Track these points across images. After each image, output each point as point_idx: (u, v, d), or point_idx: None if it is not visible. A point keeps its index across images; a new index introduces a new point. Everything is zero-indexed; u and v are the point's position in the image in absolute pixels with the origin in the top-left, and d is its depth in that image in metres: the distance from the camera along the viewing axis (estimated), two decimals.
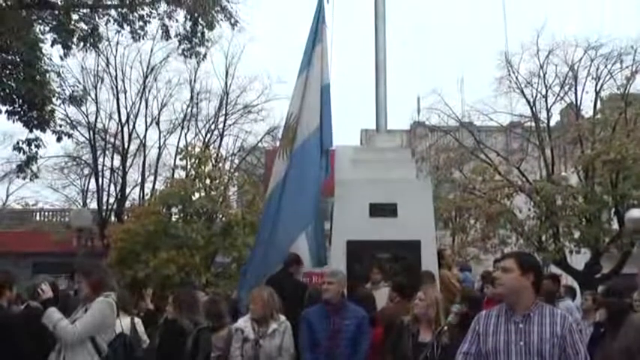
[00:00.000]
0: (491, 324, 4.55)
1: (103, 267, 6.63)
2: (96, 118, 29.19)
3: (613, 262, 20.60)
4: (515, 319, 4.47)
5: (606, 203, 20.55)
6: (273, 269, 9.40)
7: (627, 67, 22.26)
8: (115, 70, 29.17)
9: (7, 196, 33.30)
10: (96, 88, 28.88)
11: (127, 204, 28.97)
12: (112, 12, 15.37)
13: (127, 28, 15.48)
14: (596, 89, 22.70)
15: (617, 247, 20.29)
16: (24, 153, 15.08)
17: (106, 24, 15.69)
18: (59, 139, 15.56)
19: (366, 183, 9.52)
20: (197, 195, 22.31)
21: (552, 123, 23.84)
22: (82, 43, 15.09)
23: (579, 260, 21.20)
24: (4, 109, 14.47)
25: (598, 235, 20.34)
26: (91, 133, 29.13)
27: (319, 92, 9.87)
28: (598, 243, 20.38)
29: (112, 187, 29.78)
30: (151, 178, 29.92)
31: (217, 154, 26.74)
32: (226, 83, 30.39)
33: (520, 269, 4.54)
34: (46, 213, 32.95)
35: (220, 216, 22.30)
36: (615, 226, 20.69)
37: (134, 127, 29.64)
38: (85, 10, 15.24)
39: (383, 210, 9.30)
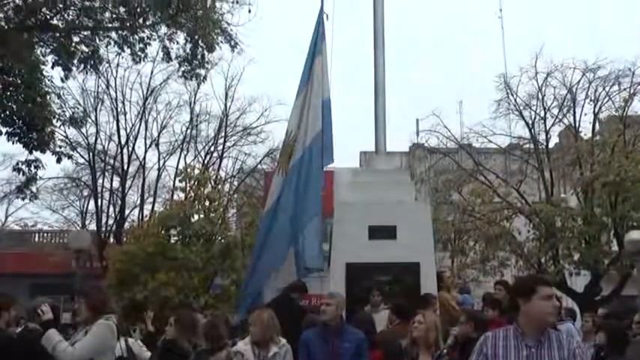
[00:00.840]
0: (500, 346, 4.39)
1: (103, 289, 6.62)
2: (96, 139, 29.25)
3: (613, 283, 20.56)
4: (528, 343, 4.35)
5: (606, 225, 20.54)
6: (267, 276, 9.40)
7: (625, 89, 22.40)
8: (115, 92, 29.29)
9: (7, 217, 33.28)
10: (96, 109, 28.98)
11: (126, 225, 28.93)
12: (113, 34, 15.44)
13: (128, 51, 15.54)
14: (594, 111, 22.79)
15: (617, 268, 20.25)
16: (23, 174, 15.09)
17: (106, 46, 15.77)
18: (59, 161, 15.59)
19: (365, 205, 9.52)
20: (196, 217, 22.30)
21: (551, 145, 23.90)
22: (82, 65, 15.15)
23: (579, 282, 21.16)
24: (4, 130, 14.50)
25: (598, 256, 20.31)
26: (91, 154, 29.16)
27: (319, 107, 9.89)
28: (598, 265, 20.33)
29: (111, 208, 29.76)
30: (150, 199, 29.94)
31: (217, 176, 26.74)
32: (226, 105, 30.49)
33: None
34: (45, 234, 32.89)
35: (219, 238, 22.28)
36: (615, 247, 20.66)
37: (134, 148, 29.70)
38: (85, 33, 15.31)
39: (382, 232, 9.30)
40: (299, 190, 9.75)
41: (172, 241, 22.09)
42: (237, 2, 15.37)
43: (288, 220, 9.73)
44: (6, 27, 14.24)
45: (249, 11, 15.51)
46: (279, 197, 10.02)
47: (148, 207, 29.57)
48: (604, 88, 22.58)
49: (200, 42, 15.02)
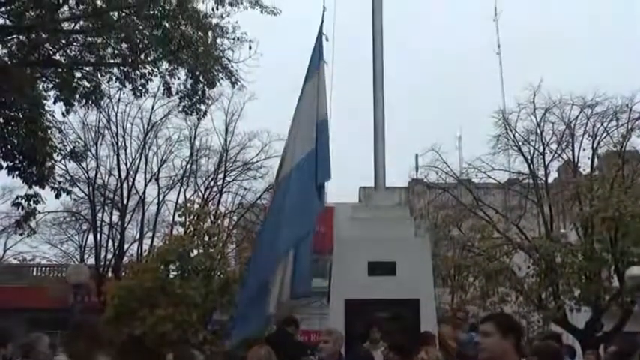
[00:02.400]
0: None
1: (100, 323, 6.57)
2: (96, 173, 29.34)
3: (614, 320, 20.41)
4: None
5: (606, 260, 20.44)
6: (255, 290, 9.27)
7: (623, 124, 22.48)
8: (116, 127, 29.47)
9: (5, 251, 33.19)
10: (96, 144, 29.14)
11: (125, 260, 28.85)
12: (115, 70, 15.61)
13: (129, 86, 15.72)
14: (593, 147, 22.85)
15: (618, 304, 20.12)
16: (22, 209, 15.10)
17: (108, 81, 15.95)
18: (58, 196, 15.63)
19: (365, 241, 9.52)
20: (195, 252, 22.24)
21: (550, 180, 23.92)
22: (84, 100, 15.28)
23: (580, 318, 21.01)
24: (4, 164, 14.55)
25: (598, 292, 20.19)
26: (91, 188, 29.20)
27: (312, 124, 9.83)
28: (598, 301, 20.21)
29: (110, 242, 29.70)
30: (150, 234, 29.90)
31: (216, 211, 26.75)
32: (226, 140, 30.65)
33: (500, 332, 4.45)
34: (43, 268, 32.78)
35: (218, 273, 22.18)
36: (615, 283, 20.54)
37: (133, 183, 29.78)
38: (88, 68, 15.48)
39: (382, 268, 9.27)
40: (287, 206, 9.62)
41: (171, 276, 21.99)
42: (238, 39, 15.59)
43: (275, 235, 9.59)
44: (9, 62, 14.39)
45: (250, 48, 15.71)
46: (269, 213, 9.98)
47: (147, 241, 29.56)
48: (602, 124, 22.69)
49: (201, 78, 15.18)
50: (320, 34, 10.35)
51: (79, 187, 28.11)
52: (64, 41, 15.00)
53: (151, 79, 15.64)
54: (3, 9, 14.23)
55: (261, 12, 15.48)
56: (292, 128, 10.04)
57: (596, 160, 22.96)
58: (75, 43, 15.32)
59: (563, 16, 60.28)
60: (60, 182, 15.85)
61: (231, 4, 15.16)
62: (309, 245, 9.34)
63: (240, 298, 10.40)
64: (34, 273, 32.47)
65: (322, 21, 10.36)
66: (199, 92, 15.52)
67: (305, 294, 9.72)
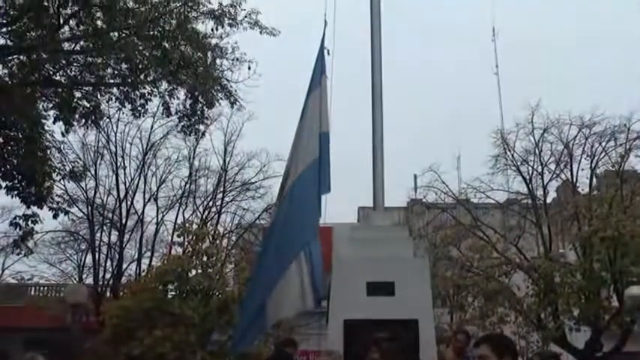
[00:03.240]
0: None
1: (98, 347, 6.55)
2: (95, 193, 29.34)
3: (614, 340, 20.33)
4: None
5: (605, 280, 20.40)
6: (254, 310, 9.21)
7: (621, 144, 22.53)
8: (115, 147, 29.51)
9: (3, 270, 33.09)
10: (96, 164, 29.16)
11: (123, 280, 28.77)
12: (114, 90, 15.66)
13: (129, 106, 15.76)
14: (591, 166, 22.87)
15: (618, 324, 20.05)
16: (20, 229, 15.09)
17: (107, 101, 15.99)
18: (55, 216, 15.61)
19: (364, 261, 9.49)
20: (194, 272, 22.18)
21: (549, 200, 23.94)
22: (83, 120, 15.32)
23: (579, 338, 20.93)
24: (3, 184, 14.56)
25: (598, 312, 20.12)
26: (89, 208, 29.19)
27: (316, 135, 9.85)
28: (598, 320, 20.14)
29: (109, 262, 29.64)
30: (148, 254, 29.84)
31: (215, 231, 26.73)
32: (225, 160, 30.67)
33: (496, 354, 4.41)
34: (41, 288, 32.67)
35: (217, 293, 22.11)
36: (615, 303, 20.48)
37: (132, 203, 29.76)
38: (87, 88, 15.53)
39: (380, 288, 9.24)
40: (294, 214, 9.60)
41: (169, 297, 21.93)
42: (237, 60, 15.65)
43: (283, 246, 9.54)
44: (10, 82, 14.45)
45: (249, 68, 15.77)
46: (272, 228, 9.95)
47: (145, 261, 29.48)
48: (600, 144, 22.74)
49: (200, 98, 15.24)
50: (322, 47, 10.39)
51: (77, 206, 28.10)
52: (64, 61, 15.06)
53: (151, 100, 15.71)
54: (4, 29, 14.31)
55: (261, 33, 15.57)
56: (295, 143, 10.06)
57: (594, 179, 22.99)
58: (75, 63, 15.38)
59: (562, 35, 60.65)
60: (58, 202, 15.83)
61: (230, 25, 15.27)
62: (318, 252, 9.34)
63: (240, 316, 10.36)
64: (32, 293, 32.33)
65: (324, 34, 10.41)
66: (198, 112, 15.57)
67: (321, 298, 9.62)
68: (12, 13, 14.18)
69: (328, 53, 10.48)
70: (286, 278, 9.12)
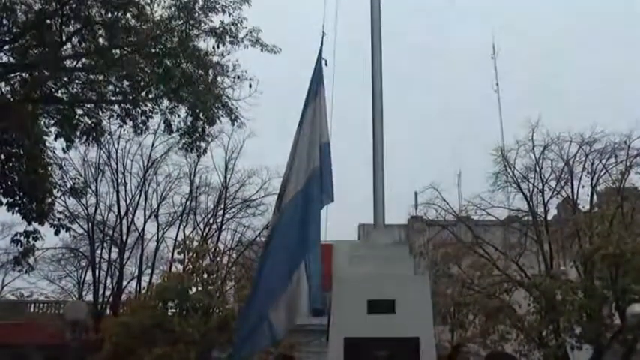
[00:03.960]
0: None
1: None
2: (95, 210, 29.39)
3: (616, 358, 20.24)
4: None
5: (606, 298, 20.36)
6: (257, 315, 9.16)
7: (621, 161, 22.59)
8: (116, 164, 29.63)
9: (3, 287, 33.07)
10: (96, 180, 29.26)
11: (123, 297, 28.72)
12: (116, 107, 15.69)
13: (130, 123, 15.76)
14: (592, 183, 22.91)
15: (620, 342, 19.98)
16: (21, 245, 15.07)
17: (109, 118, 16.00)
18: (57, 233, 15.59)
19: (364, 279, 9.47)
20: (194, 289, 22.16)
21: (549, 217, 23.94)
22: (85, 137, 15.33)
23: (581, 356, 20.82)
24: (4, 201, 14.56)
25: (599, 330, 20.05)
26: (90, 225, 29.20)
27: (316, 146, 9.85)
28: (600, 338, 20.06)
29: (109, 279, 29.60)
30: (148, 271, 29.81)
31: (215, 248, 26.72)
32: (225, 178, 30.74)
33: None
34: (41, 304, 32.60)
35: (217, 311, 22.07)
36: (617, 321, 20.42)
37: (133, 219, 29.80)
38: (89, 105, 15.56)
39: (381, 306, 9.20)
40: (296, 227, 9.59)
41: (169, 314, 21.88)
42: (238, 77, 15.69)
43: (284, 254, 9.52)
44: (11, 99, 14.49)
45: (250, 86, 15.80)
46: (272, 235, 9.92)
47: (145, 278, 29.45)
48: (601, 161, 22.79)
49: (201, 115, 15.25)
50: (319, 58, 10.41)
51: (78, 223, 28.10)
52: (66, 78, 15.12)
53: (152, 117, 15.70)
54: (7, 47, 14.38)
55: (262, 50, 15.63)
56: (293, 153, 10.06)
57: (595, 197, 23.01)
58: (77, 81, 15.43)
59: (561, 54, 60.91)
60: (59, 219, 15.82)
61: (231, 43, 15.31)
62: (318, 260, 9.32)
63: (240, 325, 10.30)
64: (32, 309, 32.27)
65: (321, 45, 10.43)
66: (199, 130, 15.58)
67: (319, 310, 9.56)
68: (15, 30, 14.26)
69: (326, 64, 10.51)
70: (290, 290, 9.12)
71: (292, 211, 9.68)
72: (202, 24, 14.98)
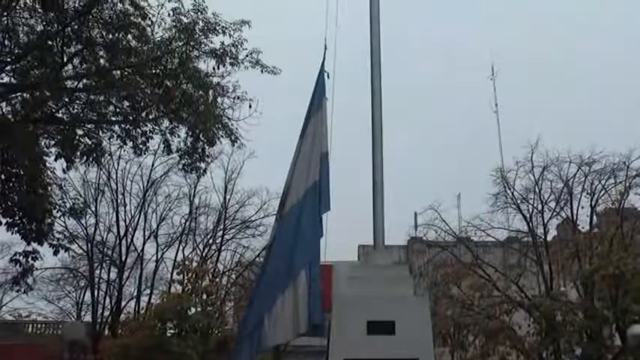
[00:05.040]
0: None
1: None
2: (95, 230, 29.34)
3: None
4: None
5: (607, 319, 20.30)
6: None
7: (621, 182, 22.64)
8: (116, 184, 29.62)
9: (0, 307, 32.90)
10: (96, 200, 29.22)
11: (122, 317, 28.59)
12: (116, 128, 15.71)
13: (130, 143, 15.77)
14: (591, 204, 22.95)
15: None
16: (20, 265, 15.03)
17: (109, 139, 16.00)
18: (56, 253, 15.56)
19: (364, 300, 9.44)
20: (193, 310, 22.07)
21: (549, 238, 23.93)
22: (85, 158, 15.34)
23: None
24: (4, 220, 14.53)
25: (600, 351, 19.98)
26: (89, 245, 29.15)
27: (317, 157, 9.90)
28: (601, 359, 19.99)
29: (108, 299, 29.50)
30: (147, 291, 29.72)
31: (214, 269, 26.64)
32: (225, 198, 30.73)
33: None
34: (39, 325, 32.44)
35: (216, 332, 21.98)
36: (618, 342, 20.34)
37: (132, 240, 29.74)
38: (89, 126, 15.58)
39: (381, 327, 9.15)
40: (296, 235, 9.61)
41: (168, 335, 21.77)
42: (238, 98, 15.72)
43: (282, 263, 9.51)
44: (12, 119, 14.52)
45: (250, 106, 15.82)
46: (273, 242, 9.93)
47: (144, 299, 29.34)
48: (600, 182, 22.84)
49: (201, 136, 15.27)
50: (322, 70, 10.48)
51: (77, 243, 28.04)
52: (66, 99, 15.15)
53: (152, 137, 15.71)
54: (8, 67, 14.43)
55: (262, 72, 15.68)
56: (294, 163, 10.11)
57: (595, 217, 23.02)
58: (77, 101, 15.46)
59: (560, 74, 61.08)
60: (59, 239, 15.81)
61: (231, 64, 15.35)
62: (318, 275, 9.32)
63: (239, 332, 10.27)
64: (30, 330, 32.11)
65: (324, 58, 10.49)
66: (199, 150, 15.59)
67: (318, 327, 9.53)
68: (17, 51, 14.33)
69: (328, 77, 10.56)
70: (284, 299, 9.08)
71: (292, 220, 9.71)
72: (203, 45, 15.05)
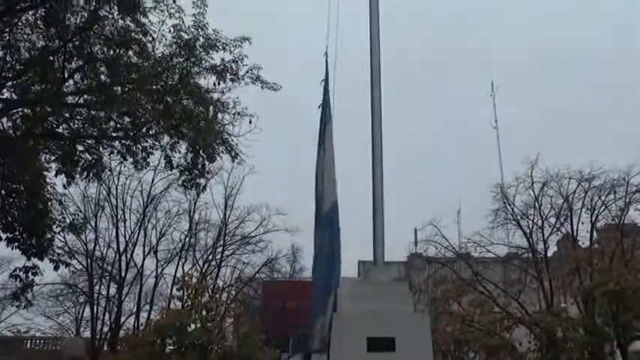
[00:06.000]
0: None
1: None
2: (94, 246, 29.32)
3: None
4: None
5: (608, 335, 20.22)
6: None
7: (620, 198, 22.62)
8: (116, 200, 29.65)
9: None
10: (96, 216, 29.25)
11: (121, 333, 28.49)
12: (116, 143, 15.73)
13: (130, 159, 15.78)
14: (591, 220, 22.92)
15: None
16: (20, 281, 15.00)
17: (109, 154, 16.02)
18: (56, 268, 15.53)
19: (364, 316, 9.43)
20: (193, 326, 22.00)
21: (549, 254, 23.89)
22: (85, 173, 15.35)
23: None
24: (4, 236, 14.52)
25: None
26: (89, 260, 29.11)
27: (333, 183, 10.04)
28: None
29: (107, 315, 29.41)
30: (147, 307, 29.66)
31: (214, 285, 26.60)
32: (225, 214, 30.74)
33: None
34: (38, 341, 32.31)
35: (216, 348, 21.90)
36: (619, 359, 20.25)
37: (132, 255, 29.72)
38: (90, 141, 15.60)
39: (381, 344, 9.15)
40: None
41: (168, 351, 21.69)
42: (238, 114, 15.75)
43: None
44: (13, 135, 14.54)
45: (250, 122, 15.85)
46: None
47: (144, 315, 29.28)
48: (600, 197, 22.82)
49: (201, 152, 15.29)
50: (326, 78, 10.56)
51: (77, 259, 28.01)
52: (67, 114, 15.18)
53: (152, 153, 15.72)
54: (10, 83, 14.48)
55: (262, 88, 15.72)
56: (324, 170, 10.21)
57: (595, 233, 22.99)
58: (78, 117, 15.48)
59: (560, 90, 61.27)
60: (59, 254, 15.77)
61: (232, 80, 15.41)
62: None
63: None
64: (28, 346, 31.97)
65: (327, 70, 10.58)
66: (199, 166, 15.60)
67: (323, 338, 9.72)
68: (18, 67, 14.38)
69: (323, 84, 10.64)
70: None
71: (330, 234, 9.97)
72: (203, 61, 15.10)
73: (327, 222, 10.01)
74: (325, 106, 10.54)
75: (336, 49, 10.86)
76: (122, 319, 29.25)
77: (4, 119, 14.74)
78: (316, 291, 10.00)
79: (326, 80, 10.62)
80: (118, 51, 14.28)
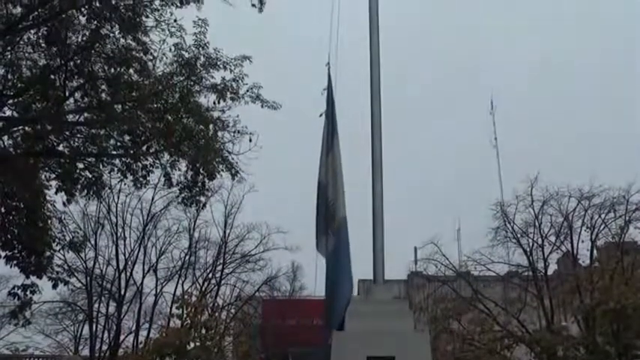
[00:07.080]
0: None
1: None
2: (94, 264, 29.28)
3: None
4: None
5: (609, 354, 20.15)
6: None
7: (620, 216, 22.63)
8: (116, 217, 29.62)
9: None
10: (96, 234, 29.22)
11: (120, 352, 28.37)
12: (117, 161, 15.75)
13: (130, 177, 15.79)
14: (591, 238, 22.92)
15: None
16: (18, 299, 14.96)
17: (109, 172, 16.02)
18: (55, 286, 15.50)
19: (364, 335, 9.40)
20: (192, 344, 21.92)
21: (550, 272, 23.86)
22: (85, 191, 15.36)
23: None
24: (3, 253, 14.51)
25: None
26: (88, 278, 29.05)
27: (342, 195, 10.07)
28: None
29: (106, 334, 29.31)
30: (146, 325, 29.53)
31: (214, 304, 26.51)
32: (225, 232, 30.72)
33: None
34: (37, 359, 32.12)
35: None
36: None
37: (131, 273, 29.65)
38: (90, 159, 15.63)
39: None
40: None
41: None
42: (238, 132, 15.77)
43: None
44: (13, 152, 14.58)
45: (250, 140, 15.87)
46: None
47: (143, 333, 29.15)
48: (600, 216, 22.84)
49: (201, 170, 15.30)
50: (329, 85, 10.58)
51: (76, 276, 27.91)
52: (67, 132, 15.21)
53: (152, 171, 15.73)
54: (10, 101, 14.53)
55: (262, 106, 15.76)
56: (336, 181, 10.23)
57: (595, 251, 22.98)
58: (78, 135, 15.51)
59: (558, 107, 61.45)
60: (58, 272, 15.75)
61: (232, 99, 15.44)
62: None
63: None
64: None
65: (329, 80, 10.60)
66: (199, 184, 15.60)
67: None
68: (19, 85, 14.44)
69: (322, 93, 10.66)
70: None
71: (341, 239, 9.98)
72: (204, 80, 15.15)
73: (337, 238, 10.01)
74: (330, 117, 10.55)
75: (337, 67, 10.90)
76: (121, 338, 29.15)
77: (5, 137, 14.77)
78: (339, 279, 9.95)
79: (329, 91, 10.64)
80: (118, 69, 14.35)
